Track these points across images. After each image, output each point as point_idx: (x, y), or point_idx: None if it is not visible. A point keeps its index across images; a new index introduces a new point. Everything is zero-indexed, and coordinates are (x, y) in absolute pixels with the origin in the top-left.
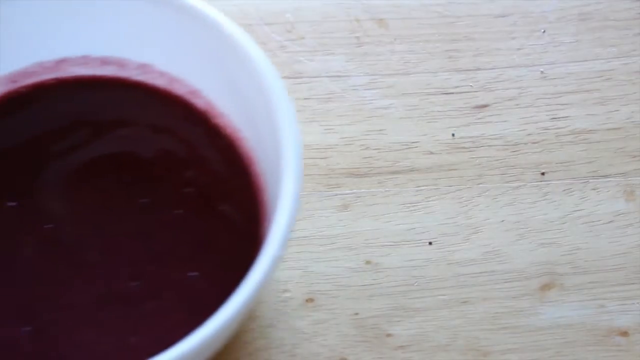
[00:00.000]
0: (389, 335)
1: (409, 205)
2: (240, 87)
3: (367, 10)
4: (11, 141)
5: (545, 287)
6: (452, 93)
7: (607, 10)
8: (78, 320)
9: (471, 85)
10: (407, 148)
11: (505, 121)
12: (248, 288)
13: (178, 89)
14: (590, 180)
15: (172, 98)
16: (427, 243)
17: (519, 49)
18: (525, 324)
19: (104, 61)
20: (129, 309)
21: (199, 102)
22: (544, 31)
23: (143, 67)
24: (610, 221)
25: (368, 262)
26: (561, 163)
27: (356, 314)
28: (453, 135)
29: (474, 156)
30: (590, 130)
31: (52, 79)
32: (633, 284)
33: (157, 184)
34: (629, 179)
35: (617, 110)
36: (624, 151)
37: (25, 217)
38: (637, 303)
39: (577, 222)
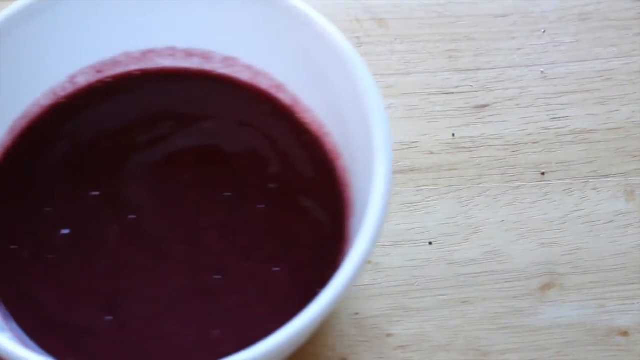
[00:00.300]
0: (389, 335)
1: (409, 205)
2: (327, 82)
3: (367, 10)
4: (96, 131)
5: (545, 287)
6: (452, 93)
7: (607, 10)
8: (160, 312)
9: (471, 85)
10: (407, 148)
11: (505, 121)
12: (338, 285)
13: (262, 83)
14: (591, 180)
15: (257, 92)
16: (427, 243)
17: (519, 49)
18: (525, 324)
19: (189, 53)
20: (211, 303)
21: (283, 97)
22: (544, 31)
23: (228, 60)
24: (611, 221)
25: (368, 262)
26: (561, 163)
27: (356, 313)
28: (453, 135)
29: (474, 156)
30: (591, 130)
31: (138, 70)
32: (633, 283)
33: (241, 178)
34: (629, 179)
35: (617, 110)
36: (624, 151)
37: (109, 207)
38: (637, 303)
39: (577, 222)
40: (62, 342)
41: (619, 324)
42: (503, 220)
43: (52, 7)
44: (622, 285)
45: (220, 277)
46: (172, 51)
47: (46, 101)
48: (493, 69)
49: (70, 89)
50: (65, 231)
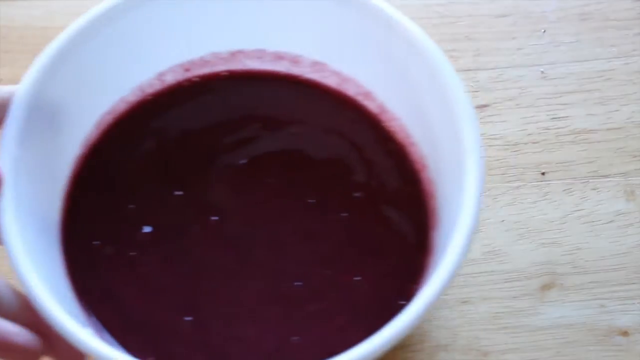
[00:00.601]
0: None
1: None
2: (416, 91)
3: None
4: (181, 130)
5: (546, 287)
6: None
7: (607, 10)
8: (240, 315)
9: (471, 85)
10: None
11: (505, 121)
12: (427, 297)
13: (350, 90)
14: (591, 180)
15: (344, 99)
16: None
17: (519, 49)
18: (525, 324)
19: (278, 56)
20: (291, 309)
21: (370, 105)
22: (545, 31)
23: (316, 64)
24: (611, 221)
25: None
26: (561, 163)
27: None
28: None
29: None
30: (591, 130)
31: (225, 71)
32: (633, 283)
33: (325, 185)
34: (629, 178)
35: (617, 110)
36: (624, 151)
37: (192, 207)
38: (638, 303)
39: (578, 222)
40: (141, 339)
41: (619, 324)
42: (503, 220)
43: (142, 6)
44: (622, 285)
45: (301, 283)
46: (260, 53)
47: (133, 98)
48: (493, 69)
49: (157, 86)
50: (148, 229)
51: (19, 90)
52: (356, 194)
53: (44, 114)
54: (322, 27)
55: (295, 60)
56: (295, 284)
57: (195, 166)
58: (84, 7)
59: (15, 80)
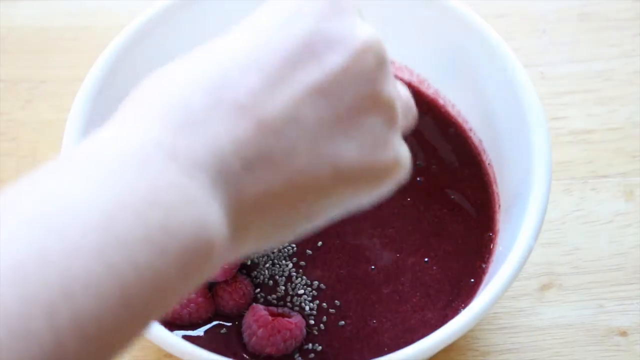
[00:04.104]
0: None
1: None
2: (475, 78)
3: None
4: None
5: (545, 287)
6: None
7: (606, 11)
8: (319, 300)
9: None
10: None
11: None
12: (505, 277)
13: (406, 77)
14: (590, 181)
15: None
16: None
17: (519, 49)
18: (524, 324)
19: None
20: (367, 293)
21: (427, 91)
22: (544, 31)
23: None
24: (610, 221)
25: None
26: (560, 163)
27: None
28: None
29: None
30: (590, 131)
31: None
32: (632, 284)
33: None
34: (629, 179)
35: (617, 110)
36: (623, 151)
37: None
38: (636, 303)
39: (577, 222)
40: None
41: (618, 324)
42: None
43: (188, 7)
44: (621, 286)
45: (373, 267)
46: None
47: None
48: None
49: None
50: None
51: (83, 88)
52: (419, 179)
53: (104, 112)
54: (374, 15)
55: None
56: (369, 268)
57: None
58: (84, 7)
59: (15, 80)
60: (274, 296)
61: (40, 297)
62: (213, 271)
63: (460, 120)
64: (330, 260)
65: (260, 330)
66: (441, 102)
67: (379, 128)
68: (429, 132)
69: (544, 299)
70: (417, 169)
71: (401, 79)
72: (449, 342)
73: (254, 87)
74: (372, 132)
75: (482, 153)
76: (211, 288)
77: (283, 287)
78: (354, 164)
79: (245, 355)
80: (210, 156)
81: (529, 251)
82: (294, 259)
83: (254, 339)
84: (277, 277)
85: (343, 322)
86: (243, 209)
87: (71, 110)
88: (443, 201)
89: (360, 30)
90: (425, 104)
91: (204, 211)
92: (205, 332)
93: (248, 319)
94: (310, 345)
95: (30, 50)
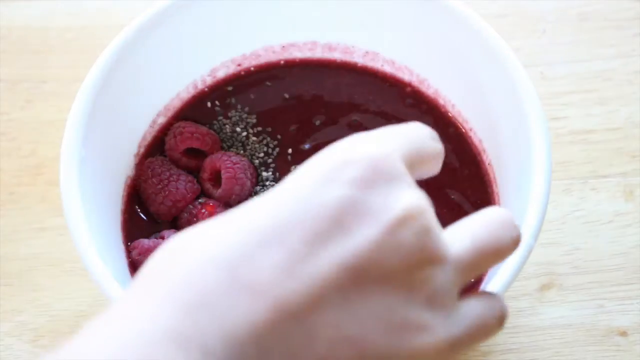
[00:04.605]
0: None
1: None
2: (476, 78)
3: None
4: (241, 119)
5: (545, 287)
6: None
7: (606, 11)
8: None
9: None
10: None
11: None
12: (505, 277)
13: (406, 77)
14: (590, 180)
15: (401, 85)
16: None
17: (518, 49)
18: (524, 324)
19: (330, 47)
20: None
21: (427, 91)
22: (544, 31)
23: (368, 54)
24: (610, 221)
25: None
26: (560, 163)
27: None
28: None
29: None
30: (590, 130)
31: (279, 61)
32: (632, 284)
33: None
34: (628, 179)
35: (617, 110)
36: (623, 151)
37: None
38: (636, 303)
39: (577, 222)
40: None
41: (618, 324)
42: None
43: (188, 8)
44: (621, 286)
45: None
46: (312, 45)
47: (187, 94)
48: None
49: (209, 82)
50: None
51: (82, 89)
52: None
53: (104, 112)
54: (372, 16)
55: (347, 51)
56: None
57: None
58: (84, 8)
59: (15, 80)
60: None
61: None
62: None
63: (460, 120)
64: None
65: None
66: (441, 102)
67: (411, 309)
68: None
69: (544, 299)
70: None
71: (401, 79)
72: None
73: (273, 265)
74: (401, 313)
75: (482, 153)
76: None
77: None
78: (381, 349)
79: None
80: (220, 342)
81: (529, 251)
82: None
83: None
84: None
85: None
86: None
87: (71, 110)
88: (443, 201)
89: (401, 199)
90: (425, 104)
91: None
92: None
93: None
94: None
95: (30, 50)
